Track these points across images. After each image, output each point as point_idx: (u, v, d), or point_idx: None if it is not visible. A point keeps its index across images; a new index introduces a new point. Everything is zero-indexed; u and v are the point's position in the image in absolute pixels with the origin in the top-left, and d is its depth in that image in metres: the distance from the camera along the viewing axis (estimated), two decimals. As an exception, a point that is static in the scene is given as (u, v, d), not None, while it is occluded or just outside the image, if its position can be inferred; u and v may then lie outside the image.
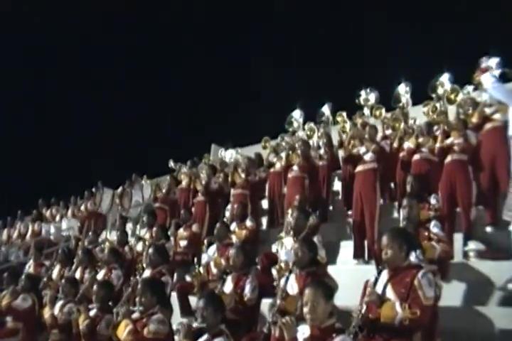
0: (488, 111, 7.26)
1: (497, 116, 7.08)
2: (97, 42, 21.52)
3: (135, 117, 21.27)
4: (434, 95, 8.06)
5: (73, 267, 8.86)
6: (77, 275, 8.40)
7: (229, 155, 11.60)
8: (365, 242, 7.36)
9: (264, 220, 9.89)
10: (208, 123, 19.53)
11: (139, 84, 21.07)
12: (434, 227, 5.56)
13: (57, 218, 14.96)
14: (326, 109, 9.89)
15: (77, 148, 21.63)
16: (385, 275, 4.22)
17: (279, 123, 10.45)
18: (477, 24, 15.29)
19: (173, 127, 21.08)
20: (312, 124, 10.06)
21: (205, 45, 21.48)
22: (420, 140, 7.76)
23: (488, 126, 7.19)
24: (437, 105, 7.91)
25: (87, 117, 21.29)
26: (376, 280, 4.22)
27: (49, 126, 21.62)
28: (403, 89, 8.90)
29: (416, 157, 7.69)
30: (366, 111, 9.43)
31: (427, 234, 5.42)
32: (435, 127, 7.86)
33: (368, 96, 9.41)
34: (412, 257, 4.48)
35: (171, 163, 13.14)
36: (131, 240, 9.68)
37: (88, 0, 21.64)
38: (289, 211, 7.25)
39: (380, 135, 8.76)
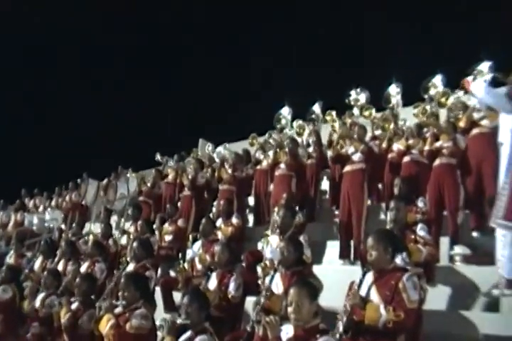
0: (476, 116, 7.30)
1: (485, 122, 7.11)
2: (97, 42, 21.94)
3: (135, 117, 21.67)
4: (426, 96, 8.09)
5: (56, 259, 8.84)
6: (60, 267, 8.36)
7: (217, 150, 11.58)
8: (352, 243, 7.37)
9: (251, 217, 9.90)
10: (208, 123, 19.64)
11: (139, 84, 21.47)
12: (420, 230, 5.55)
13: (41, 209, 14.88)
14: (316, 107, 9.88)
15: (77, 148, 21.97)
16: (369, 277, 4.23)
17: (268, 119, 10.43)
18: (477, 24, 15.47)
19: (173, 127, 21.43)
20: (301, 122, 10.05)
21: (205, 45, 21.90)
22: (410, 142, 7.77)
23: (475, 131, 7.22)
24: (427, 107, 7.95)
25: (87, 117, 21.73)
26: (361, 281, 4.23)
27: (49, 126, 22.00)
28: (394, 90, 8.91)
29: (406, 159, 7.70)
30: (356, 111, 9.45)
31: (413, 236, 5.41)
32: (425, 129, 7.89)
33: (358, 96, 9.41)
34: (398, 260, 4.51)
35: (158, 156, 13.08)
36: (116, 233, 9.64)
37: (88, 0, 22.14)
38: (276, 209, 7.24)
39: (369, 135, 8.79)
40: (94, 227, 11.94)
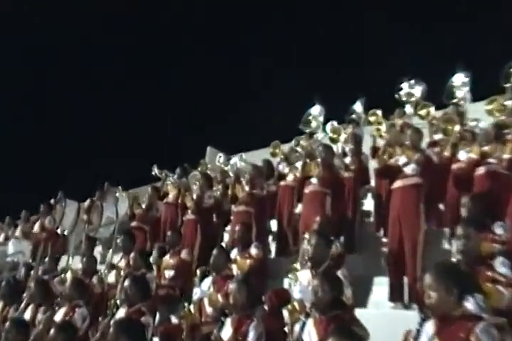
0: None
1: None
2: (97, 42, 26.28)
3: (135, 117, 25.77)
4: (507, 85, 7.96)
5: (22, 305, 8.80)
6: (27, 315, 8.32)
7: (231, 162, 11.59)
8: (405, 280, 7.32)
9: (274, 247, 9.89)
10: (208, 123, 23.06)
11: (139, 84, 25.56)
12: (500, 266, 5.37)
13: (1, 239, 14.91)
14: (358, 106, 9.85)
15: (77, 148, 26.03)
16: (430, 326, 4.11)
17: (292, 123, 10.54)
18: (477, 24, 18.30)
19: (173, 127, 25.48)
20: (336, 124, 10.03)
21: (205, 45, 26.19)
22: (485, 148, 7.61)
23: None
24: (508, 102, 7.81)
25: (87, 117, 25.84)
26: (418, 331, 4.12)
27: (49, 126, 26.15)
28: (460, 80, 8.80)
29: (480, 170, 7.57)
30: (409, 109, 9.40)
31: (490, 274, 5.23)
32: (505, 131, 7.71)
33: (412, 90, 9.35)
34: (469, 304, 4.39)
35: (155, 170, 13.10)
36: (101, 268, 9.67)
37: (88, 0, 26.65)
38: (306, 236, 7.25)
39: (426, 141, 8.72)
40: (73, 262, 11.94)
